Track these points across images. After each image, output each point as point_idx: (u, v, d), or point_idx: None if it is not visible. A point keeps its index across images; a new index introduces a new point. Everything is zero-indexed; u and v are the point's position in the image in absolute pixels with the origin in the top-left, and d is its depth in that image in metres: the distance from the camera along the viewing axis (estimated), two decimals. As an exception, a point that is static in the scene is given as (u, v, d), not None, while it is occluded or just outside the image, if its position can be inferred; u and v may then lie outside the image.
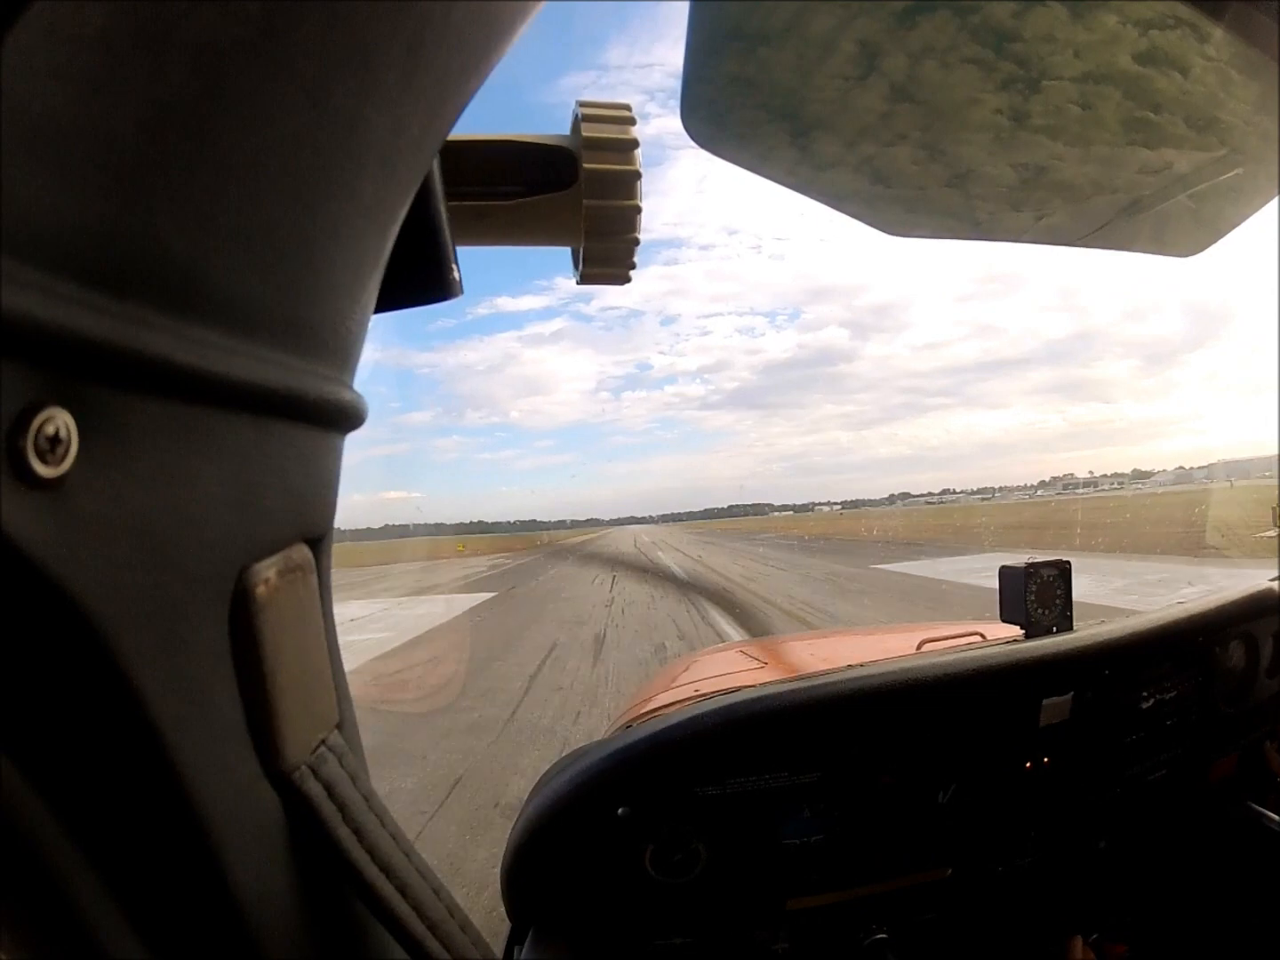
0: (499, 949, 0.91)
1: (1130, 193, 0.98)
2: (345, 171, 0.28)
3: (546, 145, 0.51)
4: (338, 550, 0.38)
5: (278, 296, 0.28)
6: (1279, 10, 0.65)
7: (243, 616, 0.27)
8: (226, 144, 0.23)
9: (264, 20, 0.23)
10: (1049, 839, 1.09)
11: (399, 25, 0.27)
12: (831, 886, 0.98)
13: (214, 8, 0.21)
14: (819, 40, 0.71)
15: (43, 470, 0.19)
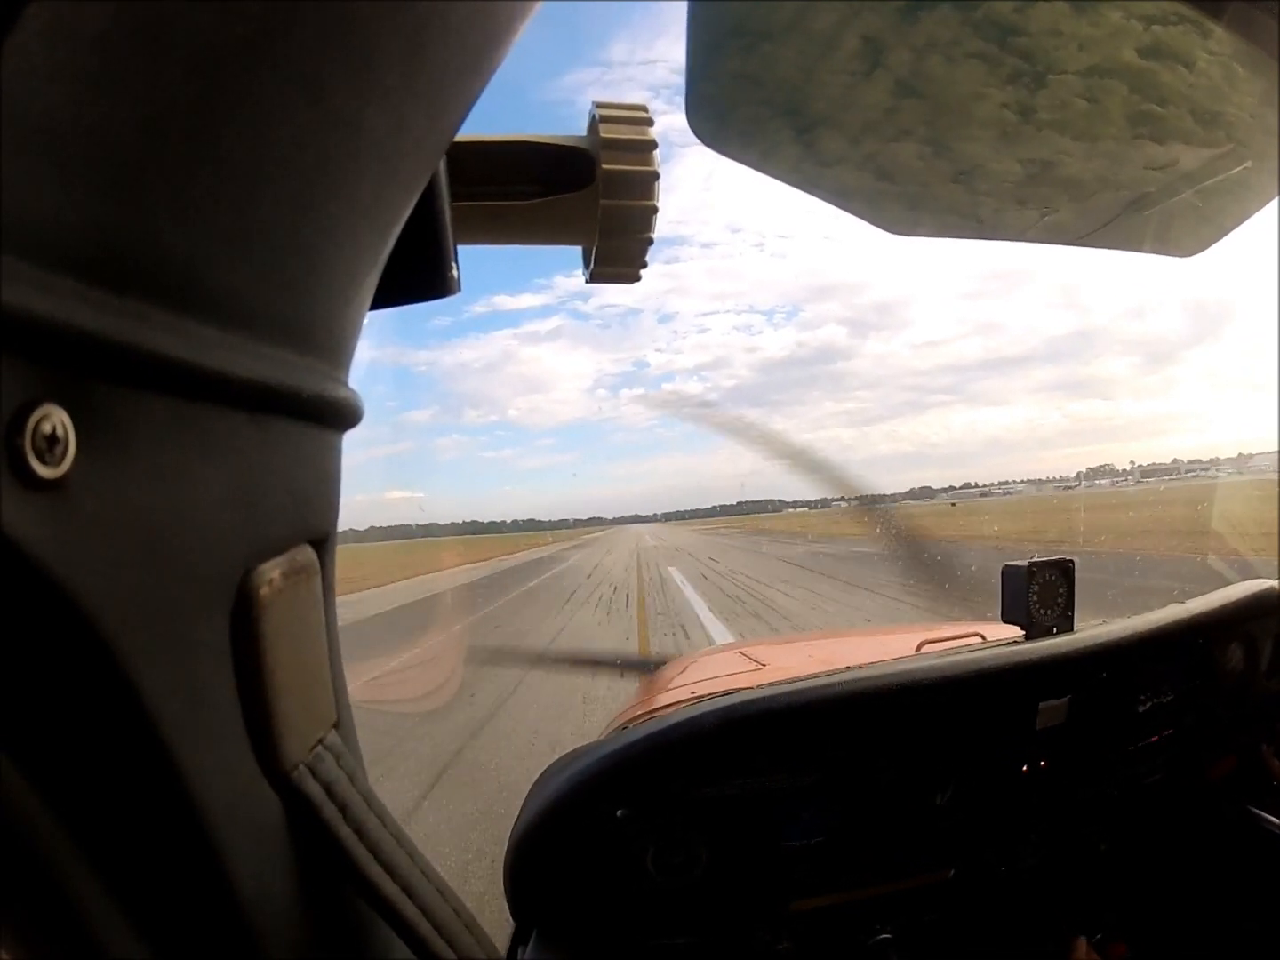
0: (502, 948, 0.91)
1: (1135, 189, 0.98)
2: (345, 172, 0.28)
3: (563, 146, 0.51)
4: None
5: (275, 293, 0.28)
6: (1279, 10, 0.64)
7: (245, 617, 0.27)
8: (226, 144, 0.23)
9: (264, 20, 0.23)
10: (1049, 840, 1.09)
11: (399, 25, 0.26)
12: (834, 888, 0.99)
13: (214, 8, 0.21)
14: (822, 36, 0.70)
15: (42, 471, 0.19)
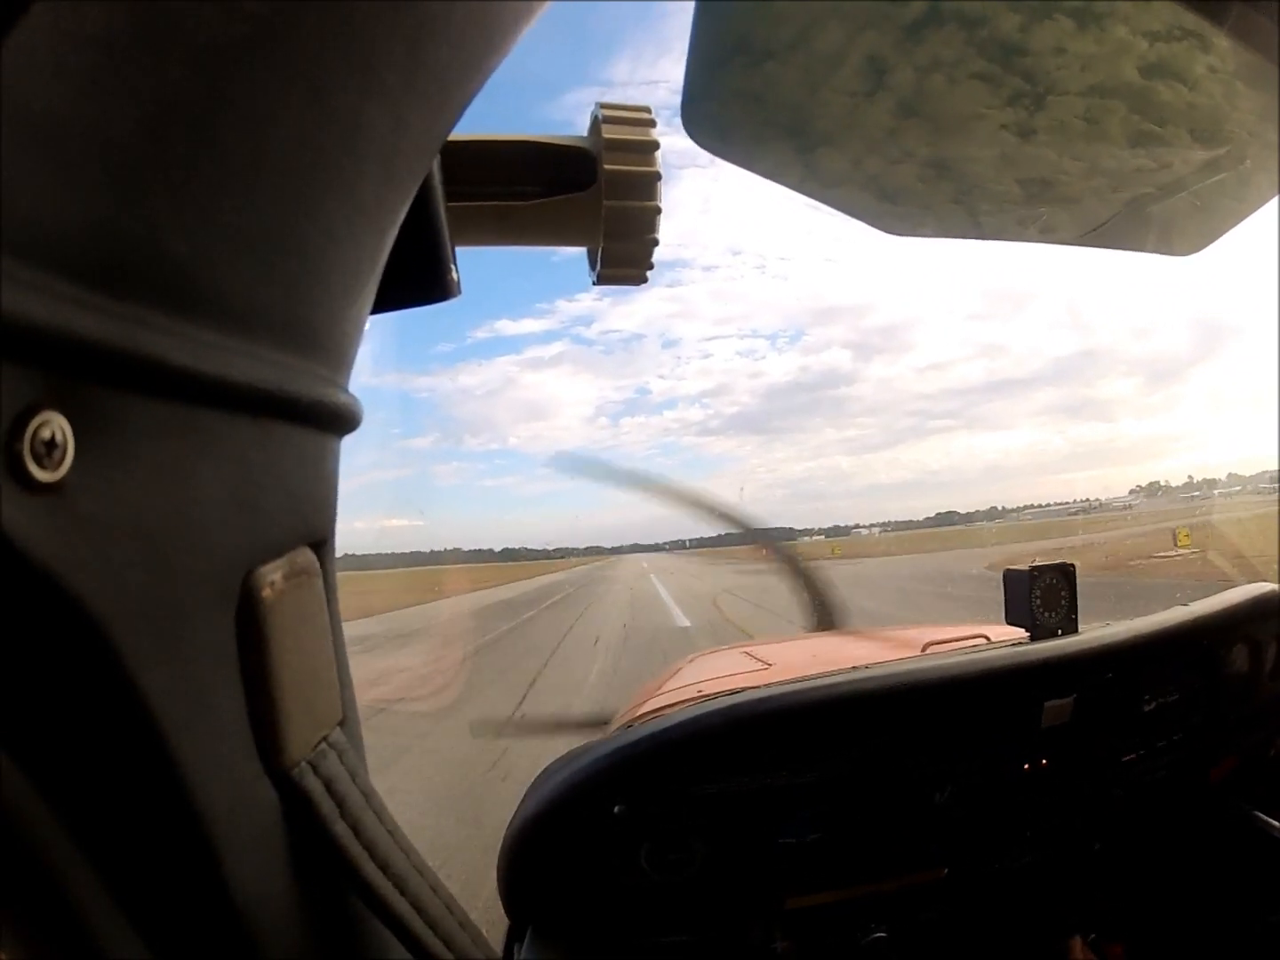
0: (498, 946, 0.90)
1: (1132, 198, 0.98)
2: (345, 171, 0.29)
3: (565, 146, 0.52)
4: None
5: (275, 296, 0.28)
6: None
7: (249, 618, 0.27)
8: (226, 144, 0.23)
9: (264, 20, 0.23)
10: (1046, 839, 1.08)
11: (399, 25, 0.27)
12: (830, 885, 0.98)
13: (214, 7, 0.22)
14: (825, 55, 0.71)
15: (40, 475, 0.19)
